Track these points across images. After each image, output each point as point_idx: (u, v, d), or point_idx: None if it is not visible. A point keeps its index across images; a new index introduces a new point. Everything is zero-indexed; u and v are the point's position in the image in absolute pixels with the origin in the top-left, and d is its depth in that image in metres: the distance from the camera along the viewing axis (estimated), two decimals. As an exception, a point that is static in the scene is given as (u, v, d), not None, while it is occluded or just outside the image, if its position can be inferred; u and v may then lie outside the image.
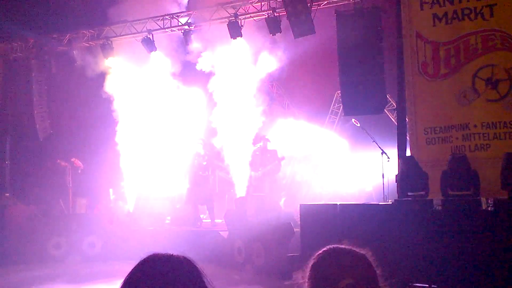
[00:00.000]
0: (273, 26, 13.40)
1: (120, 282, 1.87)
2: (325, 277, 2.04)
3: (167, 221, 14.41)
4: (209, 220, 14.59)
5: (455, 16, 10.48)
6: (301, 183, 16.25)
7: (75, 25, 16.00)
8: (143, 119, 15.46)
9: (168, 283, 1.82)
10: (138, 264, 1.90)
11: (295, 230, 10.87)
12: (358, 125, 13.67)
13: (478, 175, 9.53)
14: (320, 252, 2.14)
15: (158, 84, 15.53)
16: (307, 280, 2.10)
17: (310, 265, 2.12)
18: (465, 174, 9.67)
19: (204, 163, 14.61)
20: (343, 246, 2.13)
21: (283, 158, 14.65)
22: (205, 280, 1.90)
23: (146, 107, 15.46)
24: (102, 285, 10.27)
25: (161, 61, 15.47)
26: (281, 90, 18.69)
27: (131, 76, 15.68)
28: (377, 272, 2.07)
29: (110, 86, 15.72)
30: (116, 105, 15.56)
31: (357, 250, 2.11)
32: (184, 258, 1.93)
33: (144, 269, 1.87)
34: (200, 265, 1.93)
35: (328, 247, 2.15)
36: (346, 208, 10.94)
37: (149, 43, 14.85)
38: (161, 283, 1.81)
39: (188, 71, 15.78)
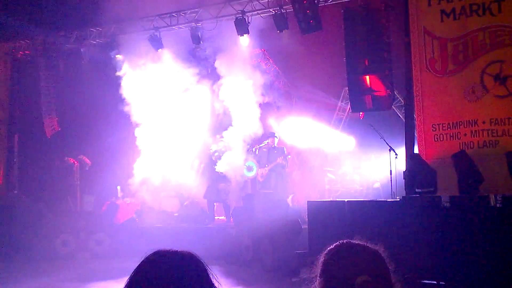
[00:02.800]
0: (280, 22, 13.40)
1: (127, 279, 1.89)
2: (340, 273, 2.02)
3: (175, 218, 14.42)
4: (223, 218, 14.67)
5: (462, 12, 10.45)
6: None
7: (83, 22, 16.02)
8: (153, 116, 15.51)
9: (173, 279, 1.83)
10: (143, 260, 1.91)
11: (303, 227, 10.86)
12: (362, 118, 13.69)
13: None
14: (332, 247, 2.11)
15: (165, 82, 15.54)
16: (318, 276, 2.07)
17: (321, 260, 2.10)
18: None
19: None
20: (355, 242, 2.11)
21: (289, 154, 14.65)
22: (210, 275, 1.91)
23: (154, 105, 15.48)
24: (110, 282, 10.28)
25: (168, 59, 15.49)
26: (289, 86, 18.67)
27: (138, 74, 15.72)
28: (390, 268, 2.06)
29: (118, 84, 15.79)
30: (127, 104, 15.63)
31: (370, 245, 2.10)
32: (189, 253, 1.94)
33: (149, 265, 1.88)
34: (205, 261, 1.95)
35: (340, 242, 2.12)
36: (354, 205, 10.94)
37: (156, 41, 14.87)
38: (166, 279, 1.82)
39: (195, 67, 15.80)
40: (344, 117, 17.57)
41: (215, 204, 14.87)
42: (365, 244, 2.09)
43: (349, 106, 15.52)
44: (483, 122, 10.08)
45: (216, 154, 14.69)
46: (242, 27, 13.72)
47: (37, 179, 16.35)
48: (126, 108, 15.67)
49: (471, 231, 8.85)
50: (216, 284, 1.91)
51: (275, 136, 14.74)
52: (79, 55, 15.89)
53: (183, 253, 1.93)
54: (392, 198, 12.12)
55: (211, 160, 14.77)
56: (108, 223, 13.31)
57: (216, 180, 14.62)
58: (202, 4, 14.54)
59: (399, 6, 11.55)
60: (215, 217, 14.69)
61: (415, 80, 10.90)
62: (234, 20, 13.79)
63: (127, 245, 12.92)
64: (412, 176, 10.19)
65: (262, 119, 15.58)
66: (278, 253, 10.55)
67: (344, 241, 2.12)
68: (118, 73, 15.84)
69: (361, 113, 14.97)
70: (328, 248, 2.12)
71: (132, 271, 1.90)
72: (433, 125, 10.60)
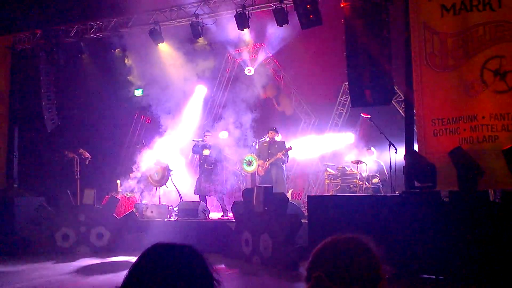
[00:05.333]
0: (280, 17, 13.39)
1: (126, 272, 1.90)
2: (326, 267, 2.00)
3: (174, 213, 14.44)
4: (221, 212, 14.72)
5: (463, 7, 10.42)
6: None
7: (83, 16, 16.03)
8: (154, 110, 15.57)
9: (172, 272, 1.83)
10: (142, 254, 1.92)
11: (302, 221, 10.89)
12: (369, 116, 13.72)
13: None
14: (321, 243, 2.11)
15: (164, 76, 15.58)
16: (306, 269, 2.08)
17: (312, 253, 2.10)
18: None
19: (208, 152, 14.64)
20: (344, 236, 2.10)
21: (290, 149, 14.65)
22: (210, 268, 1.92)
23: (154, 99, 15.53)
24: (110, 276, 10.31)
25: (168, 53, 15.51)
26: (288, 81, 18.68)
27: (140, 68, 15.78)
28: (378, 258, 2.04)
29: (118, 78, 15.83)
30: (128, 97, 15.70)
31: (360, 239, 2.08)
32: (188, 247, 1.95)
33: (148, 258, 1.89)
34: (205, 254, 1.95)
35: (333, 236, 2.12)
36: (354, 200, 10.97)
37: (157, 35, 14.87)
38: (166, 272, 1.83)
39: (196, 62, 15.82)
40: (344, 112, 17.59)
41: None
42: (353, 238, 2.09)
43: (349, 100, 15.52)
44: (483, 117, 10.06)
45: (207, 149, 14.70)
46: (242, 21, 13.72)
47: (37, 172, 16.36)
48: (127, 101, 15.71)
49: (470, 226, 8.89)
50: (215, 277, 1.92)
51: (276, 131, 14.73)
52: (80, 48, 15.89)
53: (182, 246, 1.94)
54: (391, 193, 12.16)
55: (203, 155, 14.78)
56: (108, 217, 13.33)
57: (206, 174, 14.66)
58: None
59: (399, 1, 11.52)
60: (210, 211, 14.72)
61: (415, 75, 10.88)
62: (234, 14, 13.80)
63: (127, 239, 12.98)
64: (411, 171, 10.21)
65: (263, 113, 15.59)
66: (277, 247, 10.57)
67: (338, 235, 2.12)
68: (118, 69, 15.88)
69: (364, 114, 14.92)
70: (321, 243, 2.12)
71: (131, 265, 1.91)
72: (433, 120, 10.58)
